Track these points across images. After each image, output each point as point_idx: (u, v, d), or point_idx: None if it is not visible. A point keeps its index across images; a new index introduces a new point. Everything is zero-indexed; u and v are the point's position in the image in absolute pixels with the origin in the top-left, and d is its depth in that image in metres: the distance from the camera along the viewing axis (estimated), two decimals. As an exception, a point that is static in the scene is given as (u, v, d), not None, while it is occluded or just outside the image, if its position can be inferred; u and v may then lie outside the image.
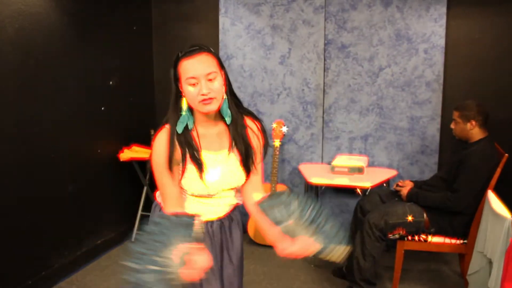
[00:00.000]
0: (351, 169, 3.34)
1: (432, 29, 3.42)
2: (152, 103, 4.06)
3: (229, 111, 1.52)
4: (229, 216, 1.69)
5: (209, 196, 1.58)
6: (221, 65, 1.50)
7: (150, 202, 3.96)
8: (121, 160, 3.53)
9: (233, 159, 1.58)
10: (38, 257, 2.88)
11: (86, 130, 3.28)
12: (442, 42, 3.42)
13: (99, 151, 3.42)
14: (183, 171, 1.51)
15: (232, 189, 1.63)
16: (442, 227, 2.72)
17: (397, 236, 2.73)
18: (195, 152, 1.50)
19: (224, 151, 1.56)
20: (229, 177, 1.58)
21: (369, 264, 2.73)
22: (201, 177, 1.51)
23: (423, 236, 2.75)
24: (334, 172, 3.37)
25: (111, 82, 3.53)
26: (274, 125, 3.61)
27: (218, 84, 1.44)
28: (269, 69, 3.78)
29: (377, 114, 3.61)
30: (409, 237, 2.76)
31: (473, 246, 2.50)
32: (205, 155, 1.53)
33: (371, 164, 3.65)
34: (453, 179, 2.71)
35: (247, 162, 1.58)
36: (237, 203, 1.70)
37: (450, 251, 2.81)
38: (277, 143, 3.58)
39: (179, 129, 1.48)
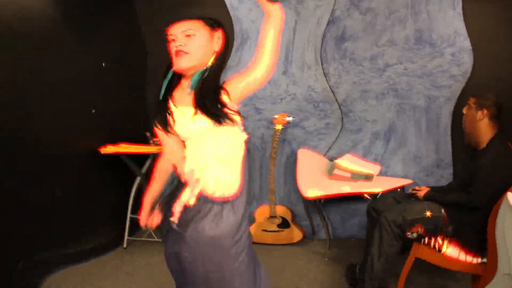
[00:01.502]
0: (355, 175, 3.11)
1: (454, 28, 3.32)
2: (144, 104, 3.86)
3: (197, 83, 1.57)
4: None
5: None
6: (211, 27, 1.61)
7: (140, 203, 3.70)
8: (103, 153, 3.24)
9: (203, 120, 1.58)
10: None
11: (73, 128, 3.12)
12: (468, 44, 3.30)
13: (80, 147, 3.22)
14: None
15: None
16: (460, 223, 2.61)
17: (415, 235, 2.63)
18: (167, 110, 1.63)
19: (190, 108, 1.60)
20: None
21: (381, 266, 2.64)
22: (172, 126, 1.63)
23: (439, 241, 2.62)
24: (331, 177, 3.11)
25: (103, 64, 3.38)
26: (276, 116, 3.39)
27: (194, 42, 1.57)
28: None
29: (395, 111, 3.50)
30: (426, 239, 2.64)
31: (493, 269, 2.30)
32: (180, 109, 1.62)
33: (383, 174, 3.46)
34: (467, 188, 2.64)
35: (218, 119, 1.57)
36: None
37: (465, 271, 2.63)
38: (278, 126, 3.36)
39: (160, 96, 1.63)
